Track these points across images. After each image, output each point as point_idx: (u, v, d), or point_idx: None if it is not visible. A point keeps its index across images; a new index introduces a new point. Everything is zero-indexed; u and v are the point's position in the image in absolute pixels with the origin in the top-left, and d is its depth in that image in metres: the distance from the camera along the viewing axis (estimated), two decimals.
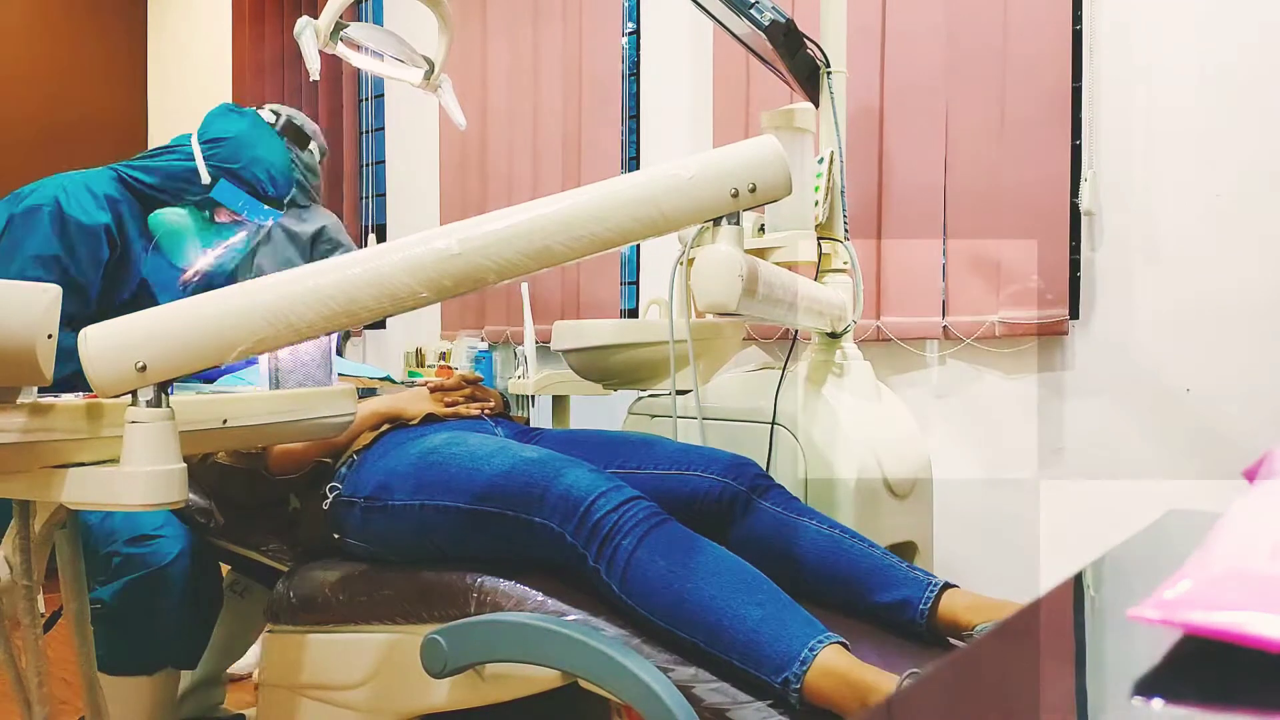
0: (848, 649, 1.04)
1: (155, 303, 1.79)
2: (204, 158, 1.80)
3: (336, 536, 1.43)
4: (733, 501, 1.38)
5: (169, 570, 1.51)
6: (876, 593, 1.26)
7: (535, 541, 1.23)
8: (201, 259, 1.87)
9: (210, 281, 1.91)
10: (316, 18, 1.67)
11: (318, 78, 1.70)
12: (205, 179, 1.80)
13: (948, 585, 1.24)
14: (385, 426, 1.50)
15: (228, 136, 1.82)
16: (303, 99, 3.92)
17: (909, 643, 1.22)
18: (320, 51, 1.68)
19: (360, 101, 3.86)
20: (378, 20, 3.44)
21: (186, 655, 1.61)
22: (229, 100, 4.13)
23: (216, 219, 1.85)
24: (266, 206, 1.86)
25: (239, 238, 1.90)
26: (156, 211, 1.82)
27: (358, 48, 1.77)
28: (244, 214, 1.84)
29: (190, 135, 1.84)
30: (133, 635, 1.51)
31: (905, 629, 1.24)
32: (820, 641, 1.03)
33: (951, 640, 1.22)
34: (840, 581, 1.28)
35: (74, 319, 1.52)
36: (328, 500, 1.43)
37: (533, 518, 1.22)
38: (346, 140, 3.84)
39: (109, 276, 1.75)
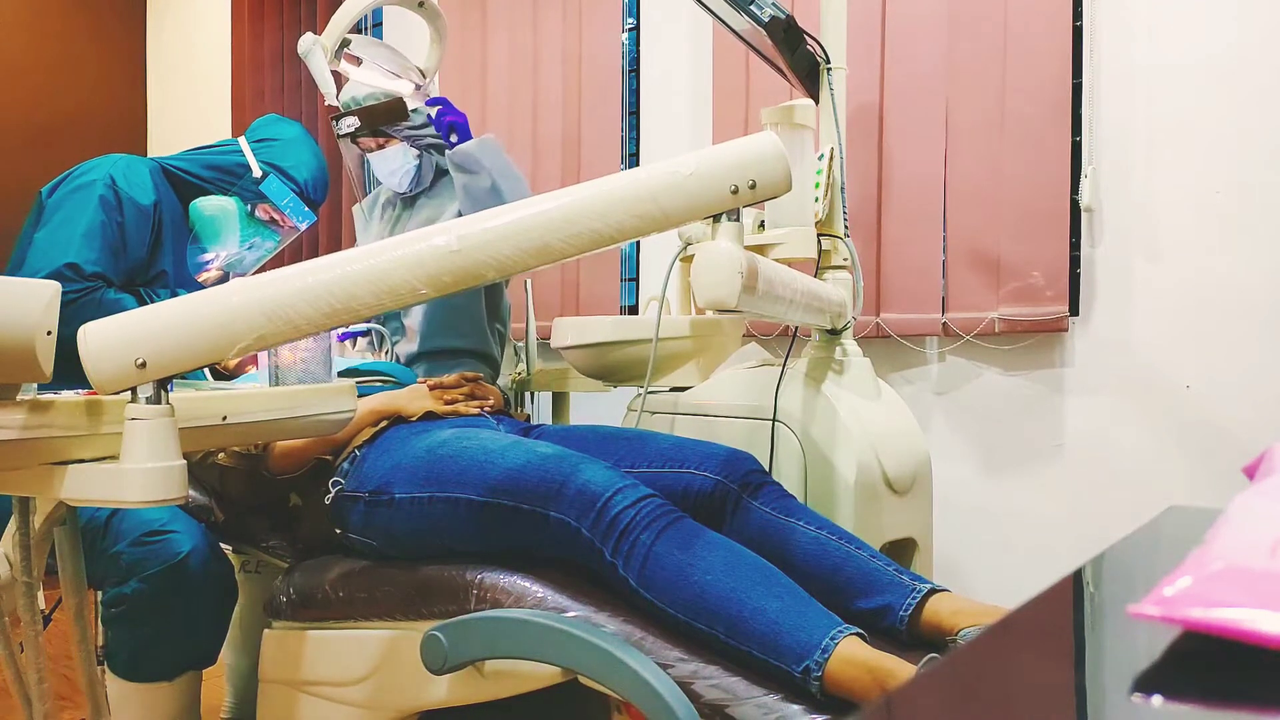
0: (865, 640, 1.06)
1: (169, 294, 1.78)
2: (254, 154, 1.85)
3: (339, 532, 1.43)
4: (724, 499, 1.38)
5: (183, 566, 1.46)
6: (859, 598, 1.25)
7: (548, 536, 1.23)
8: (231, 248, 1.88)
9: (228, 276, 1.92)
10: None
11: (335, 102, 1.69)
12: (256, 172, 1.85)
13: (935, 590, 1.23)
14: (384, 423, 1.50)
15: (278, 139, 1.88)
16: (302, 95, 3.91)
17: (890, 649, 1.22)
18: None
19: None
20: (376, 30, 3.43)
21: (205, 653, 1.56)
22: (228, 97, 4.14)
23: (256, 214, 1.89)
24: (306, 209, 1.90)
25: (273, 239, 1.93)
26: (199, 199, 1.85)
27: (357, 61, 1.76)
28: (286, 212, 1.87)
29: (237, 138, 1.89)
30: (151, 636, 1.47)
31: (887, 635, 1.23)
32: (841, 632, 1.05)
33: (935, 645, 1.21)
34: (824, 586, 1.26)
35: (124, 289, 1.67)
36: (330, 495, 1.44)
37: (549, 512, 1.22)
38: None
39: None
